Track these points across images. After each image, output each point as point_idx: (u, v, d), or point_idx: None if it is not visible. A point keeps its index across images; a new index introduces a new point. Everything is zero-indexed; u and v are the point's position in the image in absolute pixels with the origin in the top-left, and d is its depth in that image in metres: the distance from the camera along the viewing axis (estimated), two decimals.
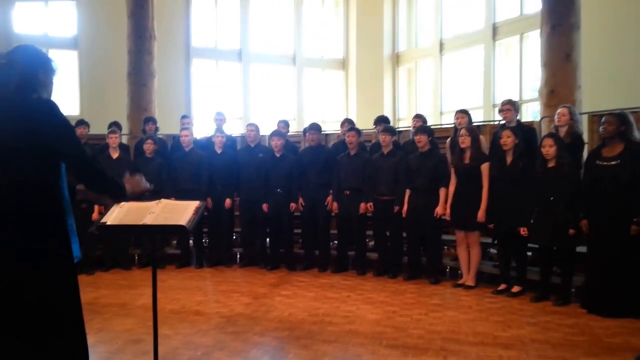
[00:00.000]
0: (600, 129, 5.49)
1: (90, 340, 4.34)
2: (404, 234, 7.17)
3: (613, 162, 5.26)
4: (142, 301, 5.87)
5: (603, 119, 5.50)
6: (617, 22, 10.11)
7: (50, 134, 2.65)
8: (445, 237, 7.21)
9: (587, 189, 5.47)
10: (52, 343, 2.60)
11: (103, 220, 3.65)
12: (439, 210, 6.62)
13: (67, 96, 12.77)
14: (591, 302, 5.36)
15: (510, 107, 6.68)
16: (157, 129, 8.39)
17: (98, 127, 8.40)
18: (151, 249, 4.44)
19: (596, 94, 8.81)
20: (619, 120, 5.35)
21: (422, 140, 6.81)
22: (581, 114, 7.01)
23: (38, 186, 2.65)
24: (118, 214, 3.65)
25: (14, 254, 2.56)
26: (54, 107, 2.70)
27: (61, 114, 2.70)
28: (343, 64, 16.14)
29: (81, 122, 7.85)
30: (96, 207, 7.21)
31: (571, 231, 5.48)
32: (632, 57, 9.83)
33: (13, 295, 2.55)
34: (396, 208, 6.95)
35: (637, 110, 6.48)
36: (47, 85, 2.84)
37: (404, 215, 6.90)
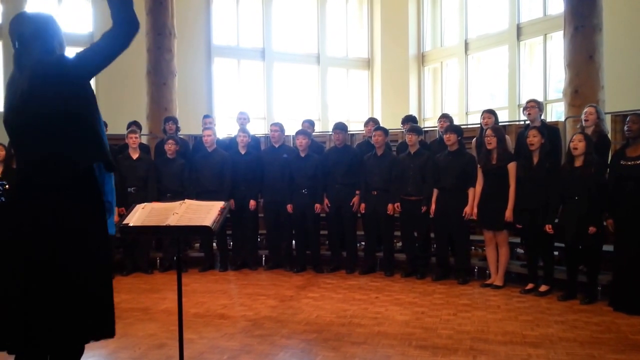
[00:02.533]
0: (625, 128, 5.59)
1: (112, 346, 4.26)
2: (432, 235, 7.14)
3: (637, 162, 5.37)
4: (164, 305, 5.78)
5: (627, 118, 5.61)
6: (639, 23, 10.23)
7: (75, 87, 2.68)
8: (473, 237, 7.20)
9: (612, 188, 5.55)
10: (83, 313, 2.66)
11: (125, 221, 3.54)
12: (467, 210, 6.60)
13: None
14: (617, 299, 5.43)
15: (535, 105, 6.71)
16: (178, 129, 8.25)
17: (116, 127, 8.28)
18: (174, 252, 4.31)
19: (619, 94, 9.00)
20: None
21: (451, 139, 6.77)
22: (605, 114, 7.07)
23: (74, 158, 2.68)
24: (140, 215, 3.56)
25: (52, 225, 2.60)
26: (65, 63, 2.70)
27: (71, 62, 2.71)
28: (368, 64, 16.03)
29: None
30: (116, 209, 7.07)
31: (591, 229, 5.50)
32: None
33: (48, 265, 2.59)
34: (424, 208, 6.91)
35: None
36: (60, 45, 2.84)
37: (432, 215, 6.87)
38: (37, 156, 2.66)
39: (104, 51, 2.72)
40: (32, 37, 2.72)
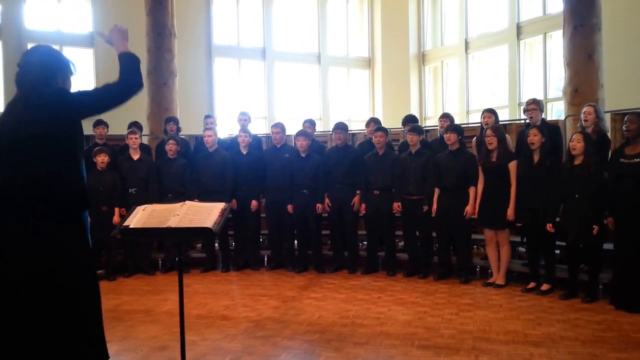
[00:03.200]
0: (623, 127, 5.61)
1: (114, 348, 4.24)
2: (434, 234, 7.14)
3: (636, 160, 5.37)
4: (166, 307, 5.75)
5: (625, 118, 5.63)
6: (637, 23, 10.28)
7: (62, 119, 2.70)
8: (474, 236, 7.19)
9: (612, 186, 5.56)
10: (72, 336, 2.63)
11: (126, 223, 3.53)
12: (468, 209, 6.60)
13: None
14: (619, 298, 5.44)
15: (535, 106, 6.72)
16: (179, 129, 8.23)
17: (117, 128, 8.25)
18: (176, 253, 4.29)
19: (619, 93, 9.01)
20: None
21: (451, 138, 6.78)
22: (605, 112, 7.16)
23: (58, 177, 2.67)
24: (141, 217, 3.53)
25: (37, 245, 2.59)
26: (60, 93, 2.76)
27: (68, 95, 2.78)
28: (368, 63, 16.02)
29: (99, 122, 7.66)
30: (117, 210, 7.09)
31: (595, 228, 5.50)
32: None
33: (35, 286, 2.56)
34: (425, 208, 6.91)
35: None
36: (64, 82, 2.88)
37: (433, 214, 6.87)
38: (15, 177, 2.64)
39: (102, 101, 2.80)
40: (37, 64, 2.78)
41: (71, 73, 2.91)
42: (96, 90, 2.79)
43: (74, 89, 2.89)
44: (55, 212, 2.63)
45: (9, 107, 2.77)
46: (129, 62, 2.85)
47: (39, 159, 2.61)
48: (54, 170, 2.65)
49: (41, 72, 2.75)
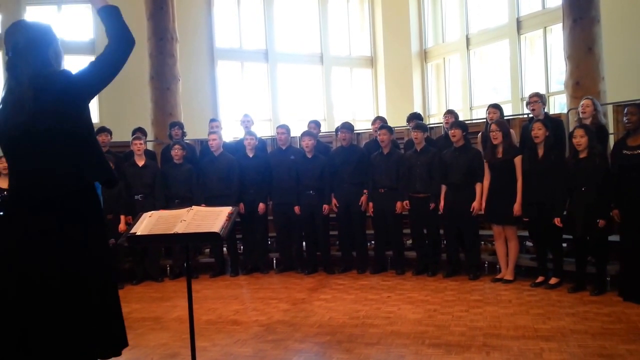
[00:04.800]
0: (625, 120, 5.62)
1: (124, 357, 4.19)
2: (441, 231, 7.14)
3: (639, 151, 5.39)
4: (176, 313, 5.74)
5: (626, 110, 5.64)
6: (636, 14, 10.27)
7: (72, 106, 2.60)
8: (482, 232, 7.20)
9: (616, 178, 5.57)
10: (91, 330, 2.59)
11: (132, 230, 3.51)
12: (475, 205, 6.60)
13: None
14: (626, 289, 5.46)
15: (538, 100, 6.74)
16: (184, 134, 8.21)
17: (121, 134, 8.25)
18: (184, 259, 4.27)
19: (620, 85, 9.03)
20: None
21: (456, 134, 6.78)
22: (606, 104, 7.34)
23: (72, 171, 2.59)
24: (147, 224, 3.52)
25: (52, 242, 2.52)
26: (64, 79, 2.62)
27: (72, 78, 2.64)
28: (371, 62, 16.00)
29: (102, 130, 7.64)
30: (122, 218, 7.08)
31: (601, 222, 5.53)
32: None
33: (52, 284, 2.51)
34: (432, 205, 6.91)
35: None
36: (56, 56, 2.74)
37: (440, 212, 6.87)
38: (31, 171, 2.58)
39: (103, 73, 2.67)
40: (27, 46, 2.63)
41: (58, 40, 2.78)
42: (93, 65, 2.65)
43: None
44: (67, 207, 2.56)
45: (8, 96, 2.63)
46: (110, 17, 2.66)
47: (55, 153, 2.54)
48: (73, 157, 2.58)
49: (34, 56, 2.61)
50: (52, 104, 2.54)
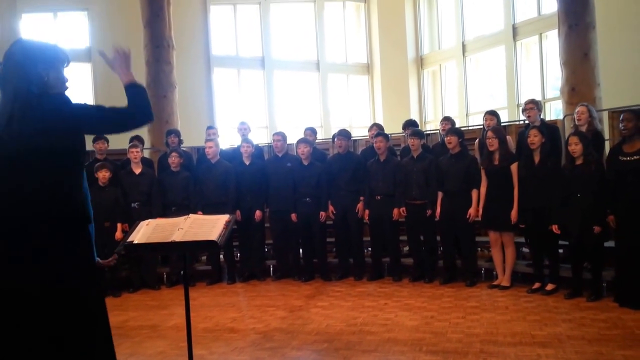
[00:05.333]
0: (620, 126, 5.62)
1: None
2: (438, 238, 7.14)
3: (635, 157, 5.41)
4: (173, 321, 5.73)
5: (621, 116, 5.65)
6: (632, 20, 10.29)
7: (62, 131, 2.47)
8: (478, 238, 7.21)
9: (611, 184, 5.59)
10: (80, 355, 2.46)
11: (130, 239, 3.52)
12: (472, 212, 6.62)
13: None
14: (622, 295, 5.49)
15: (534, 106, 6.79)
16: (180, 142, 8.21)
17: (118, 142, 8.23)
18: (181, 266, 4.27)
19: (615, 91, 8.98)
20: (637, 116, 5.50)
21: (452, 141, 6.80)
22: (602, 110, 7.33)
23: (58, 190, 2.47)
24: (145, 232, 3.52)
25: (37, 263, 2.40)
26: (60, 102, 2.52)
27: (69, 105, 2.52)
28: (367, 69, 16.02)
29: (99, 137, 7.65)
30: (119, 226, 7.06)
31: (597, 228, 5.55)
32: None
33: (36, 307, 2.39)
34: (429, 212, 6.92)
35: None
36: (55, 78, 2.60)
37: (437, 218, 6.88)
38: (11, 190, 2.44)
39: (107, 123, 2.64)
40: (18, 63, 2.51)
41: (62, 63, 2.65)
42: (103, 109, 2.58)
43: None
44: (54, 228, 2.43)
45: None
46: (137, 95, 2.65)
47: (35, 173, 2.42)
48: (50, 185, 2.44)
49: (23, 73, 2.48)
50: (39, 125, 2.43)
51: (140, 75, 9.66)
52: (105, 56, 2.79)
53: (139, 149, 7.58)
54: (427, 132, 9.15)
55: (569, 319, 5.09)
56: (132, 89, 2.66)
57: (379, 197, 7.20)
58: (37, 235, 2.41)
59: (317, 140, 8.68)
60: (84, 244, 2.55)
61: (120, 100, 2.59)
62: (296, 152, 7.74)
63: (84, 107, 2.56)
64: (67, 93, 2.65)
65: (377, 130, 7.74)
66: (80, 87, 12.67)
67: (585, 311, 5.32)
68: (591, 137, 6.02)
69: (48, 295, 2.40)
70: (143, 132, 9.20)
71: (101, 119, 2.59)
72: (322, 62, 15.50)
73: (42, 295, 2.40)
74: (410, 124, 7.96)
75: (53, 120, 2.45)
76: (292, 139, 8.40)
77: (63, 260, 2.44)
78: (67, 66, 2.68)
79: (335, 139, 7.71)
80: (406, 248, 7.78)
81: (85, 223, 2.57)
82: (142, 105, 2.65)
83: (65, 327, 2.42)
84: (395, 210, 7.09)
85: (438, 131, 8.47)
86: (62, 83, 2.65)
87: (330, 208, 7.44)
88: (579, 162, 5.74)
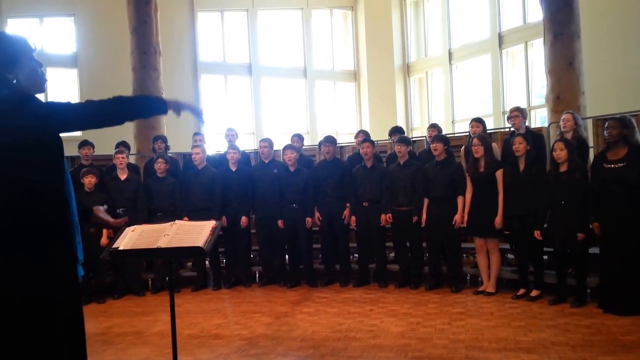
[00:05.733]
0: (605, 133, 5.66)
1: None
2: (424, 244, 7.14)
3: (619, 165, 5.45)
4: (158, 328, 5.69)
5: (606, 123, 5.70)
6: (616, 29, 10.42)
7: (31, 131, 2.33)
8: (464, 245, 7.23)
9: (596, 191, 5.63)
10: None
11: (115, 245, 3.50)
12: (457, 218, 6.65)
13: None
14: (606, 301, 5.52)
15: (519, 114, 6.84)
16: (167, 148, 8.20)
17: (103, 148, 8.22)
18: (166, 272, 4.26)
19: (600, 99, 9.15)
20: (622, 124, 5.55)
21: (438, 148, 6.83)
22: (586, 118, 7.38)
23: (33, 191, 2.35)
24: (130, 238, 3.51)
25: (11, 267, 2.29)
26: (32, 102, 2.36)
27: (43, 106, 2.38)
28: (354, 76, 16.09)
29: (85, 143, 7.65)
30: (105, 232, 7.02)
31: (580, 235, 5.59)
32: (630, 63, 10.14)
33: (8, 315, 2.27)
34: (415, 218, 6.94)
35: (638, 113, 6.74)
36: (27, 76, 2.45)
37: (423, 225, 6.90)
38: None
39: (82, 120, 2.47)
40: None
41: (29, 55, 2.49)
42: (76, 105, 2.42)
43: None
44: (27, 233, 2.31)
45: None
46: (146, 101, 2.62)
47: (15, 170, 2.31)
48: (23, 188, 2.33)
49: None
50: (8, 124, 2.30)
51: (127, 81, 9.68)
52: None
53: (124, 155, 7.55)
54: (414, 139, 9.19)
55: (553, 324, 5.11)
56: (155, 100, 2.63)
57: (365, 204, 7.21)
58: (9, 240, 2.30)
59: (303, 147, 8.70)
60: (61, 250, 2.43)
61: None
62: (283, 158, 7.75)
63: (58, 106, 2.40)
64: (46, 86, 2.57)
65: (364, 136, 7.74)
66: (67, 92, 12.60)
67: (570, 317, 5.35)
68: (576, 145, 6.06)
69: (21, 304, 2.30)
70: (129, 138, 9.18)
71: (76, 115, 2.43)
72: (310, 69, 15.54)
73: (14, 304, 2.29)
74: (396, 131, 8.00)
75: (21, 120, 2.31)
76: (279, 145, 8.41)
77: (38, 266, 2.33)
78: (27, 56, 2.50)
79: (322, 146, 7.74)
80: (392, 254, 7.78)
81: (63, 228, 2.45)
82: (128, 108, 2.57)
83: (38, 336, 2.32)
84: (382, 217, 7.10)
85: (424, 138, 8.50)
86: (37, 76, 2.53)
87: (317, 214, 7.44)
88: (563, 168, 5.78)
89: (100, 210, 2.85)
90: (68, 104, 2.42)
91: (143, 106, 2.61)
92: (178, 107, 2.69)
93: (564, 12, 7.95)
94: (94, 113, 2.44)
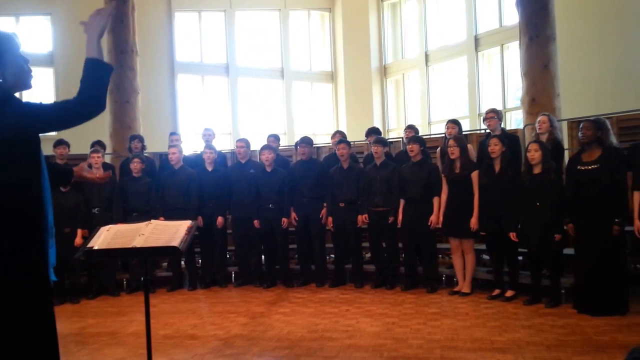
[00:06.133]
0: (579, 135, 5.72)
1: None
2: (400, 245, 7.17)
3: (593, 166, 5.51)
4: (132, 328, 5.65)
5: (581, 125, 5.76)
6: (591, 32, 10.54)
7: (11, 129, 2.30)
8: (439, 245, 7.27)
9: (570, 193, 5.68)
10: None
11: (89, 244, 3.47)
12: (433, 219, 6.68)
13: None
14: (580, 302, 5.58)
15: (495, 115, 6.87)
16: (144, 147, 8.15)
17: (79, 147, 8.14)
18: (141, 272, 4.23)
19: (574, 102, 9.25)
20: (596, 126, 5.61)
21: (414, 149, 6.85)
22: (561, 120, 7.42)
23: (8, 190, 2.31)
24: (105, 238, 3.48)
25: None
26: (11, 102, 2.34)
27: (22, 106, 2.35)
28: (331, 77, 16.11)
29: (60, 142, 7.57)
30: (79, 232, 6.95)
31: (557, 236, 5.68)
32: (605, 66, 10.26)
33: None
34: (391, 219, 6.96)
35: (612, 115, 6.89)
36: (13, 74, 2.41)
37: (399, 225, 6.92)
38: None
39: (57, 119, 2.37)
40: None
41: (14, 52, 2.43)
42: (53, 105, 2.34)
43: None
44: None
45: None
46: (93, 72, 2.35)
47: None
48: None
49: None
50: None
51: None
52: (84, 24, 2.55)
53: (99, 155, 7.46)
54: (390, 140, 9.23)
55: (528, 325, 5.15)
56: (90, 64, 2.38)
57: (342, 204, 7.23)
58: None
59: (280, 147, 8.70)
60: (34, 252, 2.39)
61: None
62: (260, 158, 7.74)
63: (35, 107, 2.35)
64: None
65: (340, 137, 7.77)
66: (43, 92, 12.45)
67: (544, 317, 5.41)
68: (551, 146, 6.14)
69: None
70: (105, 137, 9.10)
71: (51, 116, 2.36)
72: (287, 69, 15.54)
73: None
74: (373, 132, 8.01)
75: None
76: (256, 145, 8.41)
77: (9, 268, 2.29)
78: (12, 52, 2.45)
79: (298, 147, 7.74)
80: (368, 255, 7.80)
81: (37, 230, 2.42)
82: (94, 88, 2.35)
83: (9, 337, 2.28)
84: (359, 217, 7.12)
85: (401, 139, 8.54)
86: (23, 72, 2.49)
87: (293, 214, 7.45)
88: (537, 170, 5.84)
89: (84, 168, 2.80)
90: (48, 104, 2.38)
91: (98, 77, 2.40)
92: (100, 33, 2.51)
93: (540, 16, 8.03)
94: (71, 111, 2.36)
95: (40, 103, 2.38)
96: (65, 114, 2.35)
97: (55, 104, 2.37)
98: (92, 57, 2.38)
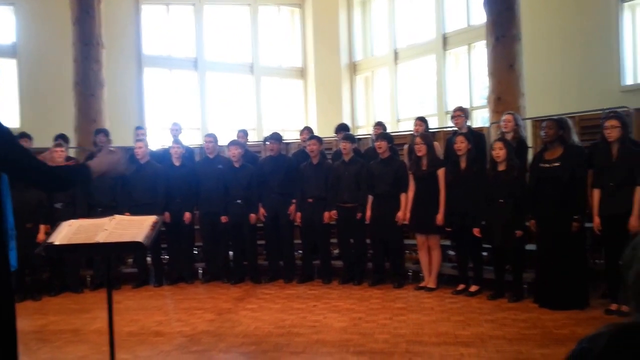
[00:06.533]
0: (542, 133, 5.88)
1: None
2: (368, 241, 7.21)
3: (555, 164, 5.62)
4: (96, 325, 5.55)
5: (543, 124, 5.91)
6: (555, 32, 10.65)
7: None
8: (406, 241, 7.33)
9: (533, 190, 5.80)
10: None
11: (50, 240, 3.39)
12: (400, 215, 6.73)
13: (5, 107, 11.95)
14: (541, 296, 5.72)
15: (461, 113, 6.98)
16: (109, 141, 8.01)
17: (42, 140, 7.98)
18: (105, 268, 4.17)
19: (539, 101, 9.35)
20: (558, 125, 5.73)
21: (382, 146, 6.89)
22: (526, 119, 7.55)
23: None
24: (67, 233, 3.40)
25: None
26: None
27: None
28: (301, 73, 16.06)
29: (23, 135, 7.42)
30: (42, 227, 6.81)
31: (518, 233, 5.81)
32: (568, 66, 10.39)
33: None
34: (359, 215, 6.99)
35: (575, 115, 6.96)
36: None
37: (367, 221, 6.95)
38: None
39: (26, 172, 2.34)
40: None
41: None
42: (29, 156, 2.35)
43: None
44: None
45: None
46: (80, 176, 2.55)
47: None
48: None
49: None
50: None
51: (68, 73, 9.44)
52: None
53: (63, 148, 7.33)
54: (359, 137, 9.26)
55: (491, 319, 5.26)
56: (85, 172, 2.54)
57: (310, 200, 7.24)
58: None
59: (249, 143, 8.66)
60: None
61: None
62: (227, 154, 7.69)
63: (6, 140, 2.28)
64: None
65: (309, 133, 7.79)
66: (5, 83, 12.16)
67: (507, 312, 5.51)
68: (516, 145, 6.23)
69: None
70: (69, 131, 8.94)
71: (15, 160, 2.31)
72: (256, 65, 15.44)
73: None
74: (342, 128, 8.04)
75: None
76: (225, 141, 8.34)
77: None
78: None
79: (267, 143, 7.71)
80: (336, 251, 7.82)
81: None
82: (70, 184, 2.63)
83: None
84: (326, 214, 7.15)
85: (369, 136, 8.56)
86: None
87: (261, 210, 7.41)
88: (501, 168, 5.93)
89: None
90: (23, 148, 2.38)
91: (80, 180, 2.64)
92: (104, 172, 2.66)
93: (506, 16, 8.12)
94: (42, 176, 2.37)
95: (12, 136, 2.34)
96: (34, 173, 2.36)
97: (32, 157, 2.38)
98: (91, 168, 2.53)
